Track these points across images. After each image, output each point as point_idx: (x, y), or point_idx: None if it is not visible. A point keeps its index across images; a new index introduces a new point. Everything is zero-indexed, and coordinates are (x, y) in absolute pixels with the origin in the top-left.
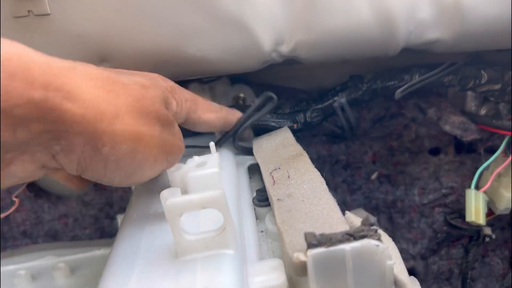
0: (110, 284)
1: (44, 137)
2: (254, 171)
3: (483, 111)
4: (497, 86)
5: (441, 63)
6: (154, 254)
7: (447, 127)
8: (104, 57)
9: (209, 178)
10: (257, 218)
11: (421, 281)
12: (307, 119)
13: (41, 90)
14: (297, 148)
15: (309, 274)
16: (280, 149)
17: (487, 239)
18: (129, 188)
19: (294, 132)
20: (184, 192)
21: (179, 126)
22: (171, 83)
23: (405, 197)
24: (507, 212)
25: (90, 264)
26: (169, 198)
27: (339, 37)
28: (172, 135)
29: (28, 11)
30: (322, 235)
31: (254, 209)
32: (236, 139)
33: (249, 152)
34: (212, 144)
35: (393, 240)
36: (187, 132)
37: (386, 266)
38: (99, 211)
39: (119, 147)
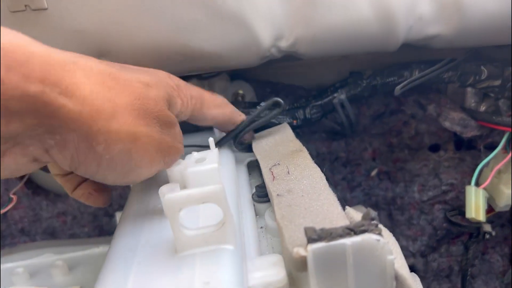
0: (108, 279)
1: (38, 131)
2: (253, 168)
3: (482, 108)
4: (497, 82)
5: (440, 60)
6: (153, 249)
7: (446, 124)
8: (102, 53)
9: (208, 174)
10: (256, 214)
11: (421, 278)
12: (307, 116)
13: (37, 84)
14: (297, 144)
15: (309, 269)
16: (279, 145)
17: (487, 236)
18: (128, 186)
19: (294, 128)
20: (183, 187)
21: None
22: (177, 81)
23: (404, 194)
24: (507, 209)
25: (89, 261)
26: (168, 193)
27: (339, 32)
28: (172, 137)
29: (25, 5)
30: (322, 229)
31: (254, 205)
32: (236, 142)
33: (248, 149)
34: (211, 140)
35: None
36: (187, 128)
37: (387, 261)
38: (97, 208)
39: (114, 146)
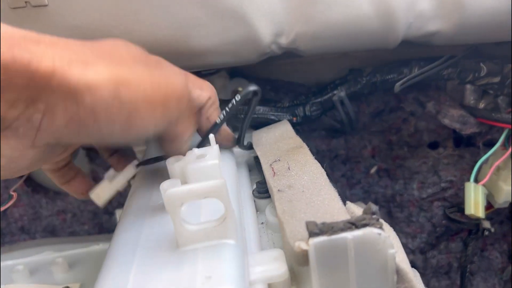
0: (110, 273)
1: (19, 107)
2: (253, 165)
3: (482, 105)
4: (496, 79)
5: (440, 57)
6: (154, 244)
7: (446, 121)
8: None
9: (209, 170)
10: (257, 210)
11: (420, 275)
12: (306, 113)
13: (6, 52)
14: (297, 140)
15: (310, 263)
16: (279, 142)
17: (486, 233)
18: (128, 183)
19: (294, 125)
20: (184, 184)
21: None
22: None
23: (404, 191)
24: (506, 205)
25: (89, 259)
26: (170, 188)
27: (339, 28)
28: (165, 77)
29: (25, 2)
30: (323, 223)
31: (254, 201)
32: (206, 142)
33: (249, 146)
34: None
35: None
36: None
37: (388, 254)
38: (97, 206)
39: (100, 94)
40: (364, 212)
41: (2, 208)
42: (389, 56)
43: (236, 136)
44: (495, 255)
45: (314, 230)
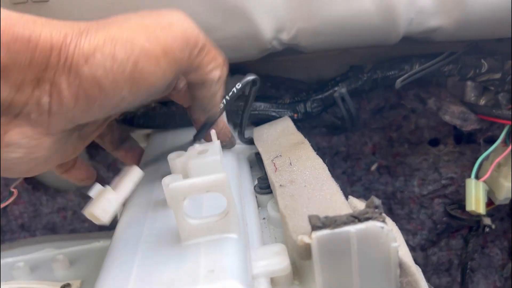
0: (113, 268)
1: (26, 91)
2: (254, 161)
3: (482, 101)
4: (497, 76)
5: (441, 53)
6: (156, 239)
7: (447, 117)
8: None
9: (211, 165)
10: (258, 206)
11: None
12: (308, 110)
13: (7, 32)
14: (299, 136)
15: (313, 256)
16: (281, 137)
17: (487, 229)
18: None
19: (295, 122)
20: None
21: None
22: None
23: (404, 188)
24: (507, 202)
25: (90, 256)
26: (172, 183)
27: (340, 24)
28: (162, 27)
29: None
30: (326, 217)
31: (256, 197)
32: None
33: (250, 142)
34: (213, 132)
35: None
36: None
37: (391, 248)
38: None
39: (96, 60)
40: (367, 206)
41: (3, 205)
42: (390, 52)
43: (236, 137)
44: (495, 252)
45: (317, 223)
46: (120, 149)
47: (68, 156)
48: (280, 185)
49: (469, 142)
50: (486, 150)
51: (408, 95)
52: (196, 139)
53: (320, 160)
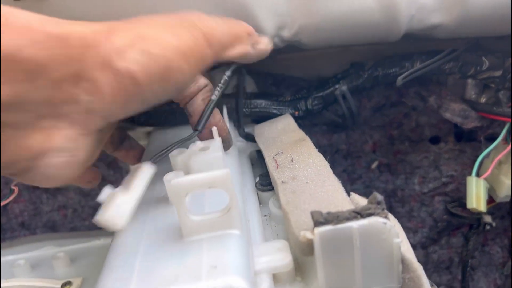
0: (115, 264)
1: (65, 86)
2: (256, 159)
3: (483, 99)
4: (498, 73)
5: (442, 50)
6: (158, 235)
7: (447, 115)
8: None
9: (212, 162)
10: (260, 203)
11: None
12: (308, 107)
13: (40, 30)
14: (300, 133)
15: (315, 252)
16: (282, 135)
17: (488, 227)
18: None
19: (296, 120)
20: None
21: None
22: None
23: (405, 186)
24: (508, 199)
25: (91, 253)
26: (174, 179)
27: (342, 21)
28: (186, 27)
29: None
30: (329, 213)
31: (257, 194)
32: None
33: (251, 139)
34: (214, 129)
35: None
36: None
37: (394, 244)
38: (98, 202)
39: (133, 52)
40: (369, 202)
41: (3, 203)
42: (390, 50)
43: (236, 135)
44: (496, 250)
45: (320, 219)
46: (121, 149)
47: (94, 158)
48: (282, 182)
49: (470, 140)
50: (486, 147)
51: (408, 93)
52: (197, 127)
53: (321, 157)
